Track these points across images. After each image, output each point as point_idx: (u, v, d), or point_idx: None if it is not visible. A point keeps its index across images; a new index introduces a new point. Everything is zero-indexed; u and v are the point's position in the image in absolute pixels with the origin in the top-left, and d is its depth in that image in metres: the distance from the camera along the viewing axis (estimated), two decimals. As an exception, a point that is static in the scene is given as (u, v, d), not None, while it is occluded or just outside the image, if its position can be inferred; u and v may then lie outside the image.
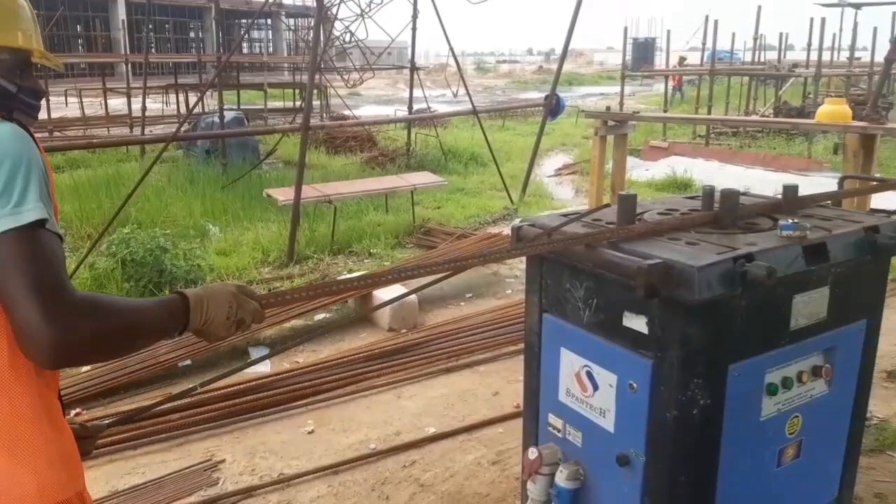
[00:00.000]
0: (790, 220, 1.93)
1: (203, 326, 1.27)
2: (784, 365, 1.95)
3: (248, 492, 3.08)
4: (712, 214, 2.10)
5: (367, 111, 21.34)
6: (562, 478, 2.10)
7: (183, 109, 14.43)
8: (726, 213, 2.05)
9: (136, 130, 13.50)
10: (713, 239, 1.94)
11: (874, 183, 4.12)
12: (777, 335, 1.92)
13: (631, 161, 11.34)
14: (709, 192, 2.17)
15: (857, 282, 2.07)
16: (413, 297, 4.94)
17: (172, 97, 16.22)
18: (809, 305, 1.95)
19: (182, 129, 9.21)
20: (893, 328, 4.90)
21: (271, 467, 3.28)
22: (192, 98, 14.09)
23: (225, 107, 10.28)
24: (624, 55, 16.55)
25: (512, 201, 8.69)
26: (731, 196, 2.06)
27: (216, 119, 10.15)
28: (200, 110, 12.79)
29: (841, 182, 3.56)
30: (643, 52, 32.11)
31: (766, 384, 1.92)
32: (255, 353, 4.42)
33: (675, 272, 1.70)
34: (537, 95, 8.81)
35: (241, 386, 3.88)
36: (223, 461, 3.34)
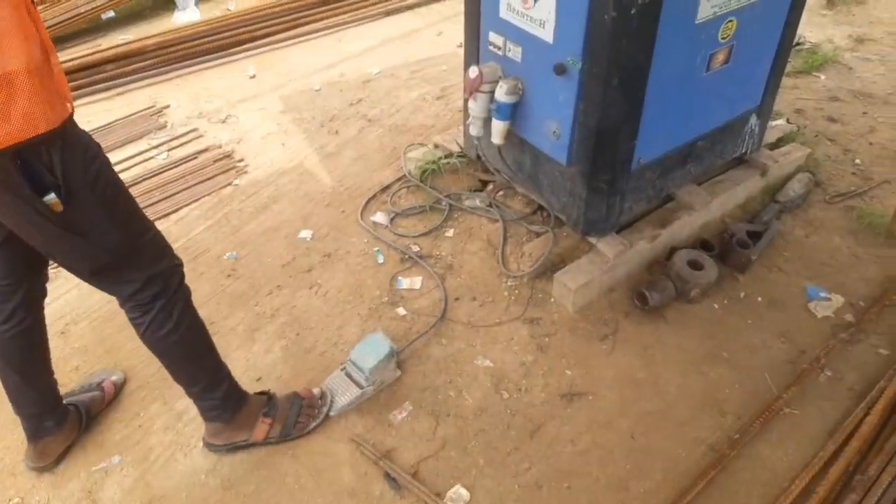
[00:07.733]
0: None
1: None
2: (726, -37, 1.91)
3: (197, 133, 3.13)
4: None
5: None
6: (501, 92, 2.16)
7: None
8: None
9: None
10: None
11: None
12: (724, -71, 1.84)
13: None
14: None
15: None
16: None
17: None
18: None
19: None
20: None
21: (218, 110, 3.30)
22: None
23: None
24: None
25: None
26: None
27: None
28: None
29: None
30: None
31: (706, -18, 1.89)
32: (182, 1, 4.14)
33: None
34: None
35: (173, 36, 3.71)
36: (168, 107, 3.34)
